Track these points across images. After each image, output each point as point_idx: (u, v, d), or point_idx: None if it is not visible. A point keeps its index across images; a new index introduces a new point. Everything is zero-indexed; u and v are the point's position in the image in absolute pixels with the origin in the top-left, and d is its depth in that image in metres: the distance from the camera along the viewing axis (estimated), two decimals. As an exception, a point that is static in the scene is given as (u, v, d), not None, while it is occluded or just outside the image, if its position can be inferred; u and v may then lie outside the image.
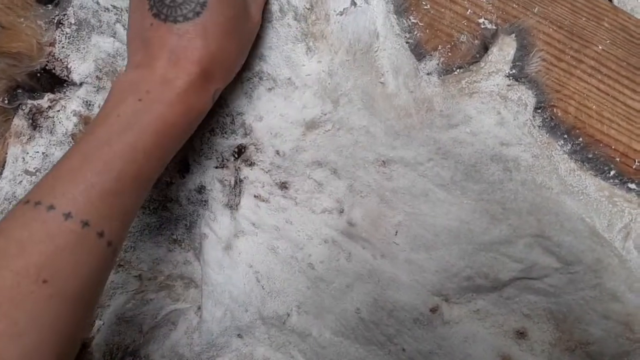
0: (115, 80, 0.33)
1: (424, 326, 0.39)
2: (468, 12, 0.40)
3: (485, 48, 0.40)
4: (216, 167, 0.42)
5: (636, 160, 0.39)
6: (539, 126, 0.39)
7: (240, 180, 0.42)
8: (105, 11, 0.42)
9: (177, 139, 0.33)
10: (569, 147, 0.39)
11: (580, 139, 0.39)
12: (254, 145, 0.41)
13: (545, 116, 0.39)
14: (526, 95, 0.39)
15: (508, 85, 0.39)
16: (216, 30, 0.32)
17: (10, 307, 0.25)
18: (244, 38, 0.36)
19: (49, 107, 0.42)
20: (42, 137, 0.42)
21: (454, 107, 0.39)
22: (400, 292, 0.39)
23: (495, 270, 0.38)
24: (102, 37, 0.42)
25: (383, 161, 0.40)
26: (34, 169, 0.42)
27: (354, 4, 0.40)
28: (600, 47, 0.40)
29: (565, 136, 0.39)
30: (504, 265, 0.38)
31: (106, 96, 0.32)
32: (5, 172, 0.42)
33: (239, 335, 0.42)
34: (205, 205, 0.42)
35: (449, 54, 0.41)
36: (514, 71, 0.39)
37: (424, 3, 0.41)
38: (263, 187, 0.42)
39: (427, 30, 0.41)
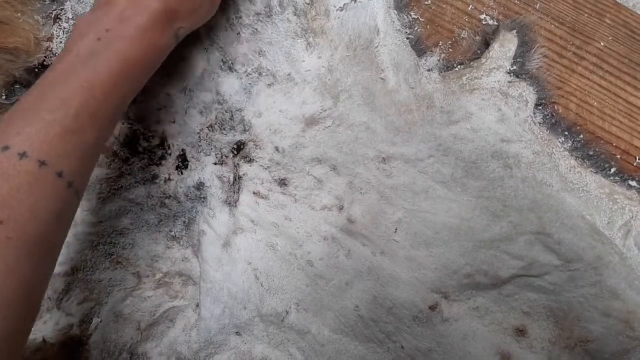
0: (77, 20, 0.32)
1: (423, 323, 0.39)
2: (469, 8, 0.40)
3: (486, 44, 0.40)
4: (215, 164, 0.42)
5: (637, 158, 0.39)
6: (540, 123, 0.39)
7: (239, 177, 0.42)
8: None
9: (137, 77, 0.32)
10: (569, 144, 0.39)
11: (581, 136, 0.39)
12: (253, 142, 0.41)
13: (546, 113, 0.39)
14: (527, 92, 0.39)
15: (509, 82, 0.39)
16: None
17: None
18: None
19: (46, 102, 0.42)
20: (39, 133, 0.42)
21: (455, 103, 0.39)
22: (400, 289, 0.39)
23: (495, 267, 0.38)
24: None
25: (383, 158, 0.40)
26: (31, 164, 0.42)
27: (354, -1, 0.39)
28: (602, 44, 0.39)
29: (566, 133, 0.39)
30: (504, 263, 0.38)
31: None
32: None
33: (238, 333, 0.42)
34: (203, 202, 0.42)
35: (450, 50, 0.40)
36: (515, 67, 0.39)
37: (424, -1, 0.40)
38: (262, 183, 0.41)
39: (428, 26, 0.40)
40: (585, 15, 0.40)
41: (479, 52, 0.40)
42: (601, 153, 0.39)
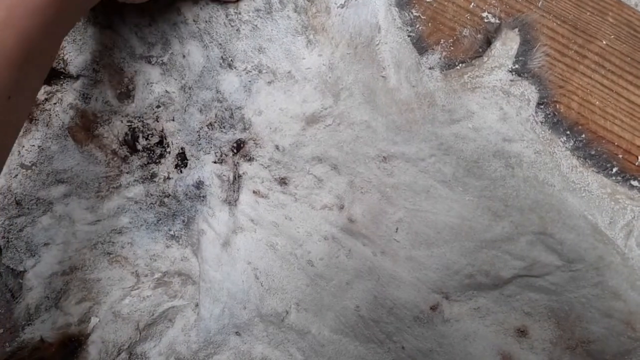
0: None
1: (424, 324, 0.39)
2: (471, 6, 0.40)
3: (488, 42, 0.39)
4: (215, 162, 0.41)
5: (639, 157, 0.38)
6: (542, 122, 0.39)
7: (239, 176, 0.41)
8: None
9: (40, 12, 0.28)
10: (571, 144, 0.39)
11: (583, 136, 0.39)
12: (253, 140, 0.41)
13: (548, 112, 0.39)
14: (529, 91, 0.38)
15: (511, 80, 0.38)
16: None
17: None
18: None
19: (46, 99, 0.41)
20: (38, 131, 0.41)
21: (456, 102, 0.38)
22: (401, 289, 0.39)
23: (496, 267, 0.38)
24: (98, 29, 0.41)
25: (384, 157, 0.39)
26: (30, 162, 0.41)
27: (355, -4, 0.39)
28: (604, 42, 0.39)
29: (568, 132, 0.39)
30: (506, 263, 0.37)
31: None
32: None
33: (237, 333, 0.42)
34: (203, 200, 0.42)
35: (452, 48, 0.40)
36: (517, 66, 0.39)
37: (426, -3, 0.40)
38: (262, 182, 0.41)
39: (430, 24, 0.40)
40: (588, 13, 0.39)
41: (480, 50, 0.40)
42: (603, 153, 0.38)
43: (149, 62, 0.40)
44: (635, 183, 0.38)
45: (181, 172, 0.42)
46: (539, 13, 0.39)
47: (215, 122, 0.41)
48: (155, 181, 0.42)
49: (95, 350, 0.42)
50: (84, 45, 0.41)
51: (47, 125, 0.41)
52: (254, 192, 0.41)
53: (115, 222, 0.43)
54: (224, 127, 0.41)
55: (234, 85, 0.40)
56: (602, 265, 0.36)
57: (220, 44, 0.39)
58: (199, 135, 0.41)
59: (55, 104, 0.41)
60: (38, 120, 0.41)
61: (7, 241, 0.42)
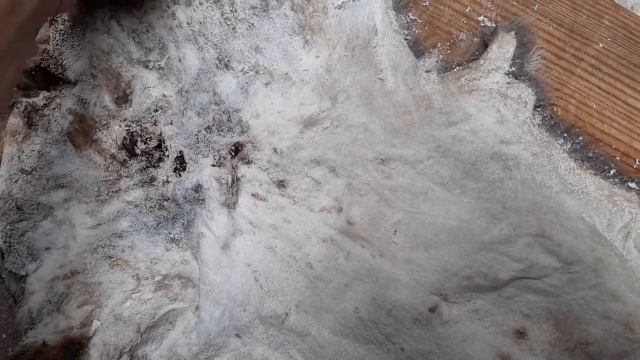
0: None
1: (422, 325, 0.39)
2: (467, 10, 0.40)
3: (484, 45, 0.40)
4: (213, 166, 0.41)
5: (637, 160, 0.39)
6: (539, 124, 0.39)
7: (238, 179, 0.42)
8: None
9: None
10: (568, 146, 0.39)
11: (580, 138, 0.39)
12: (251, 143, 0.41)
13: (545, 114, 0.39)
14: (526, 93, 0.38)
15: (508, 83, 0.38)
16: None
17: None
18: None
19: (45, 105, 0.42)
20: (37, 136, 0.42)
21: (454, 104, 0.38)
22: (399, 291, 0.39)
23: (494, 269, 0.38)
24: (96, 34, 0.41)
25: (382, 159, 0.39)
26: (30, 167, 0.42)
27: (352, -1, 0.39)
28: (600, 45, 0.39)
29: (565, 135, 0.39)
30: (504, 265, 0.38)
31: None
32: (1, 171, 0.42)
33: (237, 335, 0.42)
34: (202, 204, 0.42)
35: (448, 51, 0.40)
36: (513, 69, 0.39)
37: (422, 0, 0.40)
38: (261, 185, 0.41)
39: (426, 28, 0.40)
40: (584, 16, 0.39)
41: (477, 53, 0.40)
42: (600, 155, 0.39)
43: (146, 67, 0.41)
44: (633, 185, 0.38)
45: (180, 175, 0.42)
46: (535, 16, 0.39)
47: (213, 125, 0.41)
48: (154, 185, 0.43)
49: (97, 353, 0.42)
50: (81, 51, 0.41)
51: (46, 130, 0.42)
52: (252, 195, 0.41)
53: (116, 225, 0.43)
54: (221, 130, 0.41)
55: (231, 86, 0.40)
56: (600, 267, 0.36)
57: (215, 45, 0.40)
58: (197, 138, 0.41)
59: (54, 109, 0.42)
60: (37, 125, 0.42)
61: (9, 246, 0.42)
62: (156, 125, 0.42)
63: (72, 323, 0.43)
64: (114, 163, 0.42)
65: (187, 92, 0.41)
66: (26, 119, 0.42)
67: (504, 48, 0.39)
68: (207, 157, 0.42)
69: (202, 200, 0.42)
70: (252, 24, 0.39)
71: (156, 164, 0.43)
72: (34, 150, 0.41)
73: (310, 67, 0.40)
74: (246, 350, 0.42)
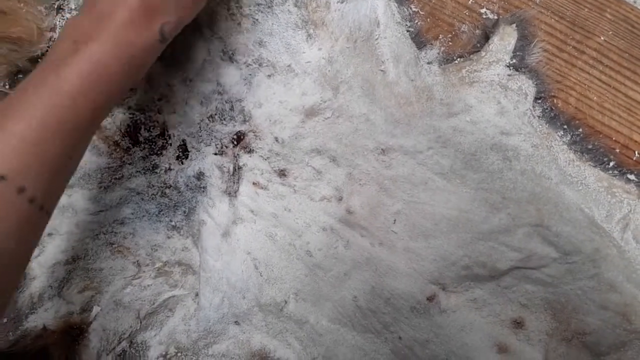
0: (65, 22, 0.30)
1: (420, 314, 0.39)
2: (470, 2, 0.40)
3: (486, 37, 0.40)
4: (215, 154, 0.42)
5: (636, 152, 0.39)
6: (539, 116, 0.39)
7: (239, 167, 0.42)
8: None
9: (113, 80, 0.29)
10: (568, 138, 0.39)
11: (580, 130, 0.39)
12: (253, 132, 0.41)
13: (545, 106, 0.39)
14: (526, 85, 0.39)
15: (508, 75, 0.39)
16: None
17: None
18: None
19: (49, 91, 0.42)
20: (42, 122, 0.42)
21: (455, 95, 0.39)
22: (398, 280, 0.39)
23: (493, 259, 0.38)
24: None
25: (382, 149, 0.40)
26: (34, 153, 0.42)
27: (355, -9, 0.40)
28: (602, 38, 0.39)
29: (565, 127, 0.39)
30: (503, 255, 0.38)
31: None
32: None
33: (236, 322, 0.42)
34: (203, 192, 0.42)
35: (450, 43, 0.40)
36: (514, 61, 0.39)
37: (425, -8, 0.41)
38: (262, 174, 0.42)
39: (428, 19, 0.40)
40: (586, 9, 0.40)
41: (478, 45, 0.40)
42: (600, 147, 0.39)
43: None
44: (632, 177, 0.39)
45: (182, 163, 0.43)
46: (536, 9, 0.39)
47: (215, 114, 0.41)
48: (156, 172, 0.43)
49: (97, 338, 0.43)
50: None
51: (51, 116, 0.42)
52: (253, 183, 0.42)
53: (118, 212, 0.44)
54: (224, 119, 0.41)
55: (235, 78, 0.41)
56: (598, 257, 0.36)
57: (221, 38, 0.40)
58: (199, 127, 0.42)
59: (59, 95, 0.42)
60: (43, 111, 0.42)
61: (11, 230, 0.42)
62: (160, 114, 0.42)
63: (73, 308, 0.44)
64: (117, 150, 0.43)
65: (191, 82, 0.41)
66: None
67: (505, 40, 0.39)
68: (209, 145, 0.42)
69: (203, 188, 0.42)
70: (257, 19, 0.40)
71: (159, 152, 0.43)
72: (38, 136, 0.42)
73: (312, 59, 0.40)
74: (245, 337, 0.42)
